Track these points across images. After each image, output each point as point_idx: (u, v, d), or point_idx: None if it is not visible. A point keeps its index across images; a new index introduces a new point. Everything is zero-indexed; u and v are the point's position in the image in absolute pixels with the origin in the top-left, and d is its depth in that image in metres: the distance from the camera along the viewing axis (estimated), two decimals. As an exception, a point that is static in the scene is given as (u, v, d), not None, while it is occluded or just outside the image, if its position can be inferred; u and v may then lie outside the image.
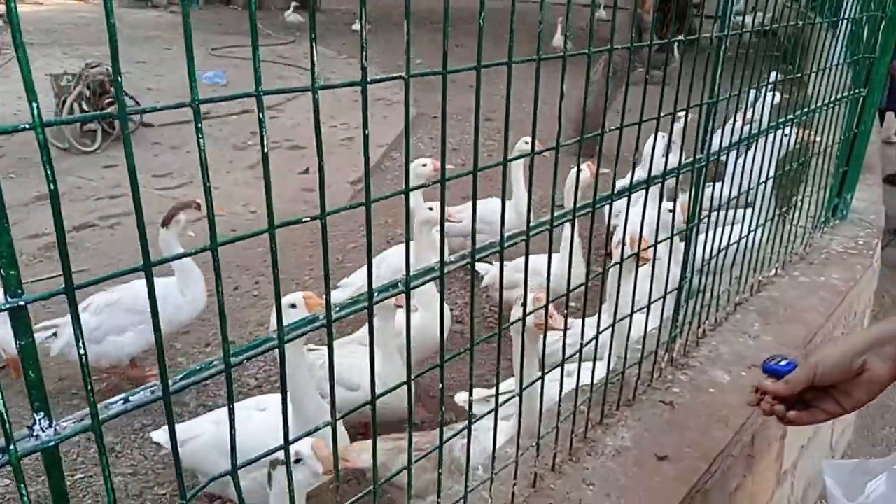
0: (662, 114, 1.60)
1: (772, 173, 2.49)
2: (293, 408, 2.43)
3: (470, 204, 1.19)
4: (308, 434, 1.05)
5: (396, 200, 1.04)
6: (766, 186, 2.34)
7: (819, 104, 2.66)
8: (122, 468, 3.23)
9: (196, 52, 0.77)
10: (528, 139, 4.35)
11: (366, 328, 3.63)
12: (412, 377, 1.19)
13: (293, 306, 2.43)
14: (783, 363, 1.35)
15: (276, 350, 0.93)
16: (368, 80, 0.90)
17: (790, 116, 2.43)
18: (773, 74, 2.50)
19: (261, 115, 0.80)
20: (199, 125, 0.76)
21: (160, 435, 2.80)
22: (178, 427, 2.76)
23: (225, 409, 2.75)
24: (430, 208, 3.38)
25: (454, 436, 1.39)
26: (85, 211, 6.22)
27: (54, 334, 3.59)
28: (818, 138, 2.80)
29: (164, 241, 3.51)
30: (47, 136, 0.66)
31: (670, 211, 2.70)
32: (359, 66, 0.91)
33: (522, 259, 1.38)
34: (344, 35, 15.28)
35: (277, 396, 2.68)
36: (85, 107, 7.59)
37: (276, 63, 12.21)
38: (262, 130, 0.80)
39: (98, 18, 17.20)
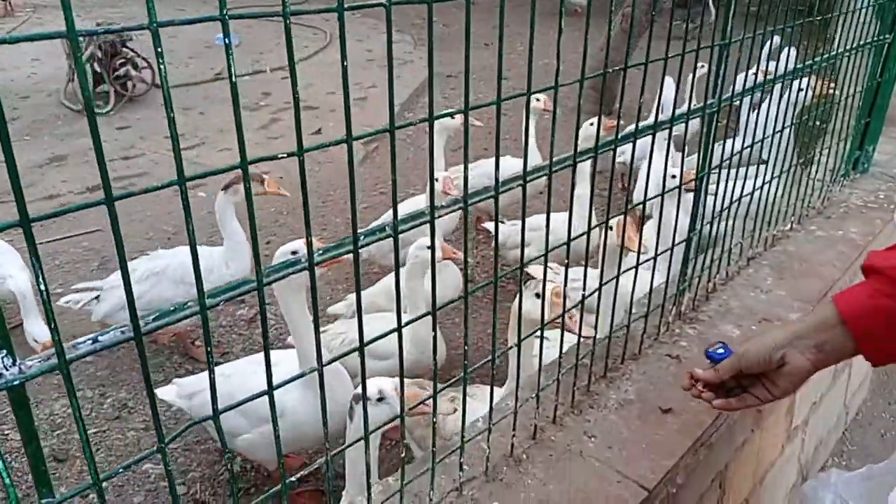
0: (671, 55, 1.53)
1: (788, 124, 2.40)
2: (300, 360, 2.43)
3: (473, 164, 1.15)
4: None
5: (402, 162, 1.00)
6: (781, 137, 2.25)
7: (840, 50, 2.54)
8: (134, 423, 3.28)
9: (210, 12, 0.73)
10: (539, 96, 4.22)
11: (385, 280, 3.61)
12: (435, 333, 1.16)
13: (294, 252, 2.41)
14: (720, 351, 1.47)
15: (284, 310, 0.90)
16: (345, 6, 0.85)
17: (809, 62, 2.33)
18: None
19: (227, 40, 0.76)
20: (160, 50, 0.72)
21: (166, 392, 2.80)
22: (187, 380, 2.78)
23: (232, 363, 2.77)
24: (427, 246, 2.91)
25: (449, 385, 1.37)
26: (98, 172, 6.23)
27: (96, 298, 3.52)
28: (836, 91, 2.69)
29: (221, 204, 3.34)
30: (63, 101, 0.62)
31: (673, 177, 2.64)
32: (370, 24, 0.86)
33: (531, 219, 1.33)
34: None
35: (287, 352, 2.69)
36: (97, 68, 7.56)
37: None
38: (229, 57, 0.76)
39: (111, -20, 17.07)
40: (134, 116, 7.69)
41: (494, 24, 1.07)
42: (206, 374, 2.85)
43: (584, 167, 3.23)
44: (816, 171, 2.84)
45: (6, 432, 3.23)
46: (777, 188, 2.48)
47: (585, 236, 1.54)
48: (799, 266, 2.47)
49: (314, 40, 10.84)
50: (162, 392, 2.80)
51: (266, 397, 0.98)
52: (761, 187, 2.30)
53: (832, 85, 2.73)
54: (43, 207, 5.47)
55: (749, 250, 2.49)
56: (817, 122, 2.79)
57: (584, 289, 1.65)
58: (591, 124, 3.56)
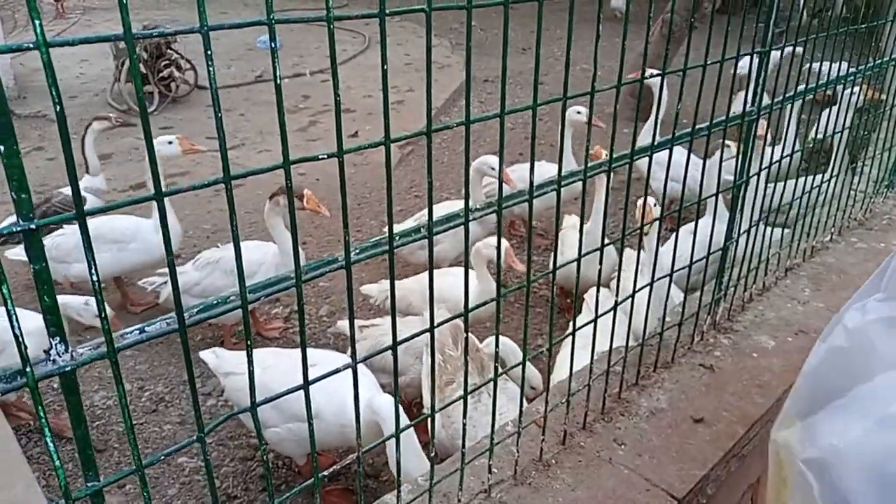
0: (710, 61, 1.52)
1: (838, 129, 2.36)
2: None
3: (508, 168, 1.16)
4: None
5: (438, 166, 1.02)
6: (829, 144, 2.22)
7: (887, 59, 2.49)
8: (170, 417, 3.35)
9: (252, 15, 0.76)
10: (580, 108, 4.19)
11: (419, 277, 3.65)
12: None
13: (170, 143, 3.23)
14: None
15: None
16: (387, 11, 0.88)
17: (860, 68, 2.29)
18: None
19: (273, 45, 0.79)
20: (210, 52, 0.75)
21: (207, 355, 2.90)
22: (228, 354, 2.86)
23: (270, 353, 2.82)
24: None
25: (481, 385, 1.38)
26: (141, 171, 6.36)
27: (165, 282, 3.77)
28: (884, 96, 2.64)
29: (268, 214, 3.46)
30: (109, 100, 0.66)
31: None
32: (409, 29, 0.88)
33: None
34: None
35: (326, 353, 2.73)
36: (142, 69, 7.76)
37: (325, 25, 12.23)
38: (275, 60, 0.79)
39: (157, -17, 17.50)
40: (177, 117, 7.86)
41: (532, 28, 1.08)
42: (243, 353, 2.92)
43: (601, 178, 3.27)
44: (859, 182, 2.79)
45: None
46: (818, 196, 2.44)
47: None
48: (837, 278, 2.42)
49: (353, 44, 10.96)
50: (204, 354, 2.92)
51: (300, 394, 1.01)
52: (801, 196, 2.26)
53: (881, 92, 2.68)
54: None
55: (787, 261, 2.45)
56: (864, 131, 2.74)
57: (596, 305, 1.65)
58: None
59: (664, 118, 3.74)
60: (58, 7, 13.27)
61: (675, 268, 1.76)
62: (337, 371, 1.07)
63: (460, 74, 9.05)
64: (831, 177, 2.39)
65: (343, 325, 3.51)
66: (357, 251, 1.02)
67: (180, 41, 8.13)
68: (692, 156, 1.94)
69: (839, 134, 2.51)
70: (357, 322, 3.50)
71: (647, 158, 1.50)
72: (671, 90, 1.45)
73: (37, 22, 0.65)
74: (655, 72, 1.53)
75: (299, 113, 8.00)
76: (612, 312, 1.60)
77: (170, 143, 3.81)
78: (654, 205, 2.56)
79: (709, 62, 1.53)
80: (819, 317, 2.18)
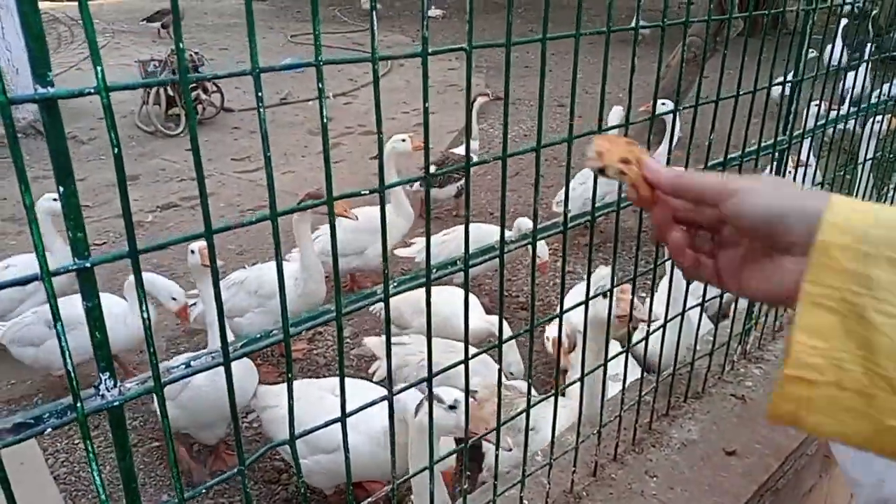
0: (742, 92, 1.52)
1: (864, 159, 2.34)
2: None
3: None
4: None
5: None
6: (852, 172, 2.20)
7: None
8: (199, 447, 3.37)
9: (276, 38, 0.78)
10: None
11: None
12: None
13: (192, 252, 3.04)
14: None
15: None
16: (429, 51, 0.89)
17: (884, 98, 2.28)
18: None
19: (320, 85, 0.80)
20: (260, 94, 0.77)
21: None
22: (267, 390, 2.90)
23: (306, 384, 2.84)
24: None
25: (513, 418, 1.38)
26: (168, 192, 6.49)
27: (195, 303, 3.77)
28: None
29: (297, 223, 3.64)
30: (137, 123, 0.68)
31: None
32: (436, 55, 0.90)
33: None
34: (419, 22, 15.33)
35: (355, 382, 2.74)
36: (170, 91, 7.91)
37: (350, 49, 12.39)
38: (322, 99, 0.80)
39: (186, 6, 17.88)
40: (203, 138, 7.98)
41: (554, 51, 1.09)
42: (280, 388, 2.94)
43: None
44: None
45: (76, 441, 3.36)
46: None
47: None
48: (871, 307, 2.39)
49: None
50: None
51: (322, 430, 1.00)
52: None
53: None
54: (116, 224, 5.71)
55: (818, 289, 2.42)
56: (891, 156, 2.72)
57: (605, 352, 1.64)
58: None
59: (677, 144, 3.74)
60: (88, 31, 13.59)
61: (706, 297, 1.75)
62: (373, 403, 1.07)
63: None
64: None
65: (369, 342, 3.52)
66: (395, 284, 1.03)
67: (207, 64, 8.28)
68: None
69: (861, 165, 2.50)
70: (381, 340, 3.50)
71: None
72: (684, 118, 1.45)
73: (98, 68, 0.67)
74: (669, 104, 1.53)
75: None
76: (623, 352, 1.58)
77: (192, 252, 3.27)
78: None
79: (741, 92, 1.53)
80: (852, 347, 2.14)
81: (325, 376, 3.89)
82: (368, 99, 9.07)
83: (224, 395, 0.86)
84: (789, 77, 1.74)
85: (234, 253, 5.23)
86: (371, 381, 3.21)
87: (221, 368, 0.83)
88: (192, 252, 3.11)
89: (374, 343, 3.47)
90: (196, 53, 8.13)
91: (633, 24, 1.23)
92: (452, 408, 1.83)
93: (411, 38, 13.69)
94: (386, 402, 1.07)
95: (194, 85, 8.13)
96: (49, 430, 0.75)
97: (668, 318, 1.65)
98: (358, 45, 12.90)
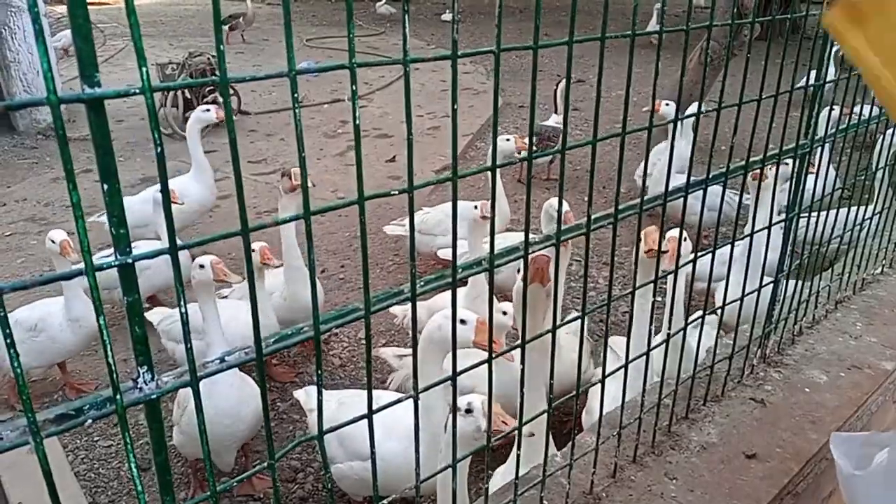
0: (765, 96, 1.53)
1: (882, 164, 2.33)
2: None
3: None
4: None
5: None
6: (877, 177, 2.19)
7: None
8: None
9: (294, 33, 0.79)
10: None
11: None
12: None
13: (202, 266, 2.90)
14: None
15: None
16: (459, 53, 0.90)
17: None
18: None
19: (353, 87, 0.82)
20: (296, 95, 0.78)
21: (301, 393, 3.08)
22: (311, 389, 2.94)
23: (348, 392, 2.87)
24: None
25: (533, 418, 1.39)
26: (185, 193, 6.54)
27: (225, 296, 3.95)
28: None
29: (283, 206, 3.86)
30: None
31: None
32: (465, 57, 0.91)
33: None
34: (433, 25, 15.39)
35: (386, 394, 2.76)
36: (187, 94, 7.98)
37: (366, 53, 12.45)
38: (355, 102, 0.82)
39: (202, 10, 18.04)
40: (220, 141, 8.04)
41: (566, 55, 1.09)
42: (329, 393, 2.96)
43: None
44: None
45: (96, 439, 3.40)
46: (868, 228, 2.40)
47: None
48: (890, 312, 2.38)
49: (390, 69, 11.13)
50: (297, 393, 3.10)
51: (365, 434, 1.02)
52: (853, 228, 2.24)
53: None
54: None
55: (837, 294, 2.41)
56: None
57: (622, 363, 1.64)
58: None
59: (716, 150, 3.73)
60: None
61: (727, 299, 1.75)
62: (399, 401, 1.09)
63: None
64: (874, 214, 2.36)
65: (383, 351, 3.53)
66: (423, 283, 1.04)
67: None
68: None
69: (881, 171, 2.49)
70: (396, 350, 3.53)
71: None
72: (714, 122, 1.46)
73: (143, 69, 0.69)
74: (672, 105, 1.53)
75: (338, 138, 8.14)
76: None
77: (201, 266, 3.03)
78: (685, 239, 2.54)
79: (764, 96, 1.53)
80: (872, 352, 2.14)
81: (339, 377, 3.91)
82: (384, 102, 9.13)
83: (217, 420, 0.89)
84: (811, 80, 1.74)
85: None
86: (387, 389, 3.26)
87: (215, 393, 0.87)
88: (202, 267, 2.90)
89: (388, 353, 3.49)
90: (213, 57, 8.20)
91: (650, 28, 1.24)
92: (469, 411, 1.84)
93: (425, 41, 13.73)
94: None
95: (210, 88, 8.20)
96: (89, 421, 0.77)
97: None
98: (373, 48, 12.96)
